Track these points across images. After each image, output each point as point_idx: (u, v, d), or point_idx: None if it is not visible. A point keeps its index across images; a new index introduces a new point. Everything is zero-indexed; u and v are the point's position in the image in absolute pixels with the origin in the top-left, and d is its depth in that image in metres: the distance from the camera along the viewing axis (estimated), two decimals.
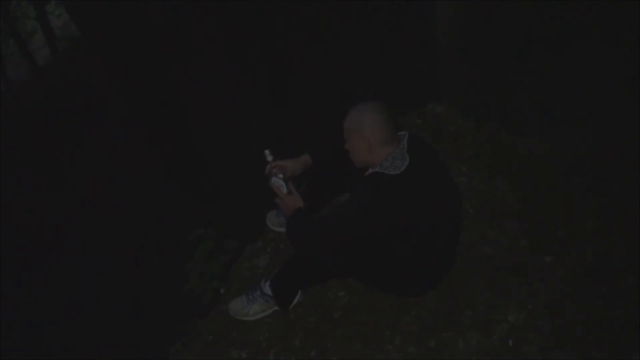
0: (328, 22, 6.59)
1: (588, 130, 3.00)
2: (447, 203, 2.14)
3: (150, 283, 5.12)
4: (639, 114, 3.01)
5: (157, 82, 5.81)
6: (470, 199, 2.63)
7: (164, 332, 3.02)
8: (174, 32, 7.53)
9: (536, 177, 2.72)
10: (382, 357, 2.22)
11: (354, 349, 2.26)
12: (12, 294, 5.87)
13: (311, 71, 6.19)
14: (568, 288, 2.30)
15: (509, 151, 2.85)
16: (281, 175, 2.22)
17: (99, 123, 7.48)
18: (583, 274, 2.34)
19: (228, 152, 5.99)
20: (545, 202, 2.61)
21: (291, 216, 2.17)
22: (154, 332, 4.14)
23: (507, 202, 2.63)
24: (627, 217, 2.50)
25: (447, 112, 3.05)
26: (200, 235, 3.33)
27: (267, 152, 2.26)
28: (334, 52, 6.15)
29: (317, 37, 6.50)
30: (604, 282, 2.31)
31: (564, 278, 2.33)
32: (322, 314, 2.40)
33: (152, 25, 6.58)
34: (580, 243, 2.44)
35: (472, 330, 2.21)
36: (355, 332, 2.30)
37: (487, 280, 2.35)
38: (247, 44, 6.84)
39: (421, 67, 4.83)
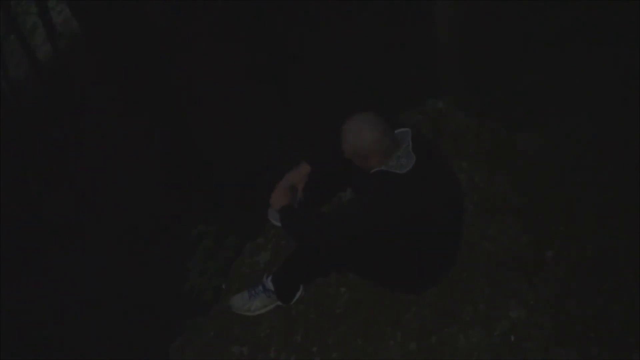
0: (329, 22, 6.61)
1: (589, 128, 3.01)
2: (451, 201, 2.14)
3: (151, 281, 5.12)
4: (639, 113, 3.02)
5: (157, 81, 5.82)
6: (471, 195, 2.63)
7: (165, 330, 3.02)
8: (173, 32, 7.54)
9: (537, 174, 2.73)
10: (383, 353, 2.22)
11: (355, 345, 2.26)
12: (12, 294, 5.87)
13: (312, 70, 6.20)
14: (569, 285, 2.31)
15: (510, 148, 2.86)
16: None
17: (100, 121, 7.48)
18: (584, 271, 2.35)
19: (229, 150, 6.00)
20: (546, 199, 2.62)
21: (287, 209, 2.17)
22: (155, 329, 4.14)
23: (508, 198, 2.63)
24: (628, 214, 2.51)
25: (447, 109, 3.05)
26: (201, 233, 3.34)
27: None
28: (335, 52, 6.17)
29: (318, 37, 6.51)
30: (604, 279, 2.32)
31: (564, 275, 2.34)
32: (323, 310, 2.40)
33: (152, 24, 6.59)
34: (580, 240, 2.45)
35: (473, 327, 2.22)
36: (356, 328, 2.31)
37: (488, 277, 2.36)
38: (247, 43, 6.85)
39: (422, 65, 4.85)
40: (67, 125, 7.84)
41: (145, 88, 5.84)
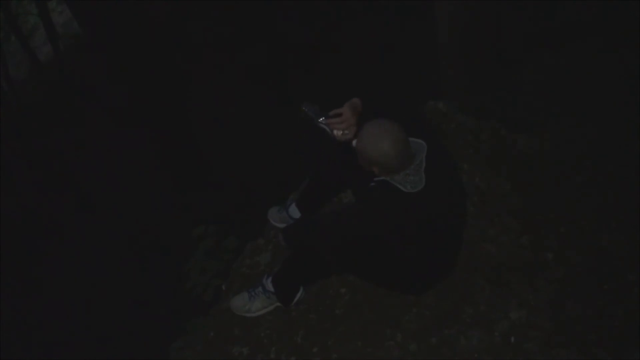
0: (331, 22, 6.61)
1: (589, 128, 3.01)
2: (455, 214, 2.13)
3: (151, 281, 5.13)
4: (639, 114, 3.02)
5: (157, 82, 5.83)
6: (471, 196, 2.63)
7: (165, 330, 3.02)
8: (174, 33, 7.54)
9: (537, 175, 2.73)
10: (383, 354, 2.22)
11: (355, 346, 2.26)
12: (12, 294, 5.87)
13: (311, 70, 6.21)
14: (569, 286, 2.31)
15: (510, 149, 2.86)
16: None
17: (101, 121, 7.48)
18: (584, 271, 2.35)
19: (230, 150, 6.01)
20: (546, 199, 2.62)
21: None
22: (155, 329, 4.15)
23: (508, 199, 2.63)
24: (628, 215, 2.51)
25: (448, 109, 3.04)
26: (202, 233, 3.34)
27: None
28: (335, 52, 6.17)
29: (320, 36, 6.52)
30: (604, 279, 2.32)
31: (564, 276, 2.34)
32: (323, 311, 2.40)
33: (153, 26, 6.60)
34: (581, 241, 2.45)
35: (474, 328, 2.22)
36: (356, 329, 2.31)
37: (488, 278, 2.36)
38: (251, 42, 6.86)
39: (422, 66, 4.85)
40: (67, 126, 7.83)
41: (145, 89, 5.85)
